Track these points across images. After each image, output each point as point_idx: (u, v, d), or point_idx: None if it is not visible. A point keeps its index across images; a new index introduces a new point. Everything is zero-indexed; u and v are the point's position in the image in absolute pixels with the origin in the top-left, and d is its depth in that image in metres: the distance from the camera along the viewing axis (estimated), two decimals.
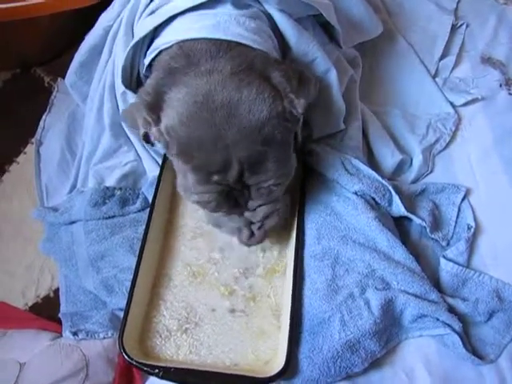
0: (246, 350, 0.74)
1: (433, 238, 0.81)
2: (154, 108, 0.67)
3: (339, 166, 0.81)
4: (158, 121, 0.67)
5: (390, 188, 0.80)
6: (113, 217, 0.86)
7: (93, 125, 0.93)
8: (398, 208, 0.80)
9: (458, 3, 1.08)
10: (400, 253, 0.76)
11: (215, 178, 0.65)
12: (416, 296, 0.73)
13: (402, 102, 0.96)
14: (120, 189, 0.89)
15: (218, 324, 0.76)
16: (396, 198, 0.80)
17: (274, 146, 0.65)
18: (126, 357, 0.69)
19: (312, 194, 0.81)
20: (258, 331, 0.75)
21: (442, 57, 1.01)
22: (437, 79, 0.99)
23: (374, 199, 0.80)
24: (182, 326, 0.76)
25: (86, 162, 0.92)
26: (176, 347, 0.74)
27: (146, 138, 0.71)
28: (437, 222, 0.82)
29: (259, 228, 0.73)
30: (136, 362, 0.69)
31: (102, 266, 0.83)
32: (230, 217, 0.73)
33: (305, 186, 0.82)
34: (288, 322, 0.71)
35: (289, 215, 0.79)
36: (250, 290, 0.78)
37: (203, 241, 0.83)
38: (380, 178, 0.80)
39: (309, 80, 0.71)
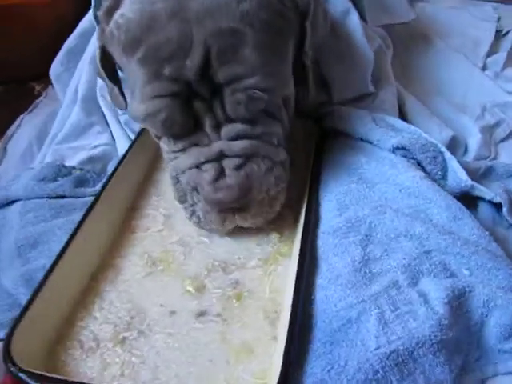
0: (217, 375, 0.41)
1: None
2: (111, 10, 0.48)
3: (368, 121, 0.54)
4: (110, 20, 0.47)
5: (444, 149, 0.52)
6: (61, 197, 0.60)
7: (66, 105, 0.73)
8: (458, 178, 0.50)
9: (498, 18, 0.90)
10: (470, 226, 0.45)
11: (168, 69, 0.42)
12: (505, 291, 0.40)
13: (445, 92, 0.72)
14: (81, 169, 0.64)
15: (176, 334, 0.44)
16: (453, 163, 0.51)
17: (259, 28, 0.42)
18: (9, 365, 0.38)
19: (331, 158, 0.54)
20: (239, 345, 0.43)
21: (488, 56, 0.80)
22: (487, 72, 0.76)
23: (419, 164, 0.52)
24: (119, 335, 0.44)
25: (48, 143, 0.70)
26: (102, 365, 0.42)
27: (104, 55, 0.50)
28: None
29: (236, 168, 0.45)
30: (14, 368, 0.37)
31: (31, 256, 0.54)
32: (189, 152, 0.46)
33: (320, 150, 0.55)
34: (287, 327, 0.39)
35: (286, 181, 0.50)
36: (235, 285, 0.47)
37: (173, 227, 0.55)
38: (428, 136, 0.53)
39: (316, 11, 0.50)
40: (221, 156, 0.45)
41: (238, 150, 0.44)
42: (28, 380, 0.37)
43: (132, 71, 0.44)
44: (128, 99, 0.53)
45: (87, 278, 0.50)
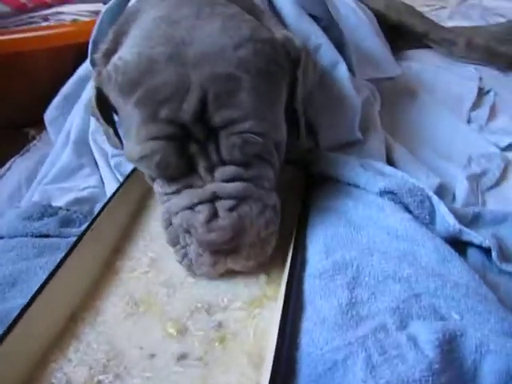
0: None
1: (503, 271, 0.49)
2: (109, 53, 0.50)
3: (356, 165, 0.55)
4: (107, 62, 0.49)
5: (431, 193, 0.52)
6: (46, 236, 0.59)
7: (58, 147, 0.73)
8: (446, 222, 0.50)
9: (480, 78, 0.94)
10: (459, 269, 0.44)
11: (164, 112, 0.43)
12: (498, 335, 0.39)
13: (431, 144, 0.73)
14: (67, 210, 0.63)
15: (155, 378, 0.42)
16: (441, 207, 0.51)
17: (254, 75, 0.44)
18: None
19: (318, 202, 0.54)
20: None
21: (472, 111, 0.83)
22: (471, 125, 0.78)
23: (407, 208, 0.52)
24: (94, 378, 0.42)
25: (37, 183, 0.69)
26: None
27: (99, 98, 0.51)
28: (504, 253, 0.51)
29: (230, 209, 0.45)
30: None
31: (10, 295, 0.52)
32: (183, 194, 0.47)
33: (308, 195, 0.55)
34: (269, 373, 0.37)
35: (278, 223, 0.50)
36: (218, 328, 0.45)
37: (159, 269, 0.53)
38: (415, 181, 0.53)
39: (307, 61, 0.53)
40: (214, 197, 0.45)
41: (231, 191, 0.45)
42: None
43: (128, 113, 0.45)
44: (123, 140, 0.54)
45: (65, 318, 0.48)
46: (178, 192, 0.47)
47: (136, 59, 0.44)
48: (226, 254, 0.47)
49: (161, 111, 0.43)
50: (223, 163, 0.45)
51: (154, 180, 0.50)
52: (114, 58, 0.48)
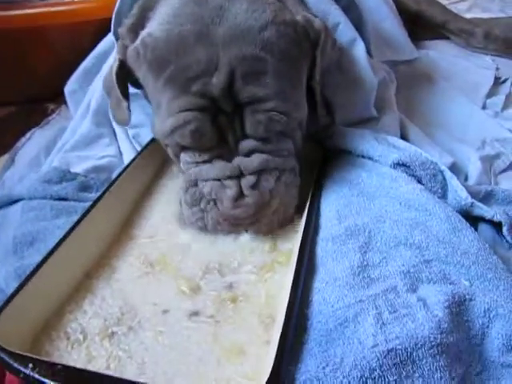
0: (206, 374, 0.39)
1: None
2: (135, 27, 0.52)
3: (370, 139, 0.55)
4: (135, 38, 0.50)
5: (444, 167, 0.52)
6: (64, 199, 0.60)
7: (77, 118, 0.74)
8: (458, 196, 0.50)
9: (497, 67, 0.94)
10: (469, 238, 0.44)
11: (195, 86, 0.45)
12: (507, 301, 0.39)
13: (446, 127, 0.73)
14: (85, 176, 0.64)
15: (167, 332, 0.43)
16: (453, 181, 0.51)
17: (278, 57, 0.46)
18: None
19: (332, 173, 0.54)
20: (230, 347, 0.41)
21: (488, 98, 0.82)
22: (487, 111, 0.78)
23: (419, 181, 0.52)
24: (108, 329, 0.43)
25: (57, 151, 0.70)
26: (87, 358, 0.41)
27: (121, 69, 0.52)
28: None
29: (252, 187, 0.47)
30: None
31: (27, 253, 0.53)
32: (214, 164, 0.48)
33: (322, 167, 0.56)
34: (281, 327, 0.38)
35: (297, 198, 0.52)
36: (230, 288, 0.46)
37: (174, 235, 0.54)
38: (428, 155, 0.53)
39: (326, 40, 0.53)
40: (240, 173, 0.47)
41: (253, 167, 0.47)
42: (8, 360, 0.36)
43: (158, 89, 0.47)
44: (131, 114, 0.56)
45: (81, 274, 0.49)
46: (208, 161, 0.48)
47: (166, 37, 0.46)
48: (246, 227, 0.50)
49: (192, 86, 0.45)
50: (245, 137, 0.47)
51: (180, 152, 0.51)
52: (143, 34, 0.49)
